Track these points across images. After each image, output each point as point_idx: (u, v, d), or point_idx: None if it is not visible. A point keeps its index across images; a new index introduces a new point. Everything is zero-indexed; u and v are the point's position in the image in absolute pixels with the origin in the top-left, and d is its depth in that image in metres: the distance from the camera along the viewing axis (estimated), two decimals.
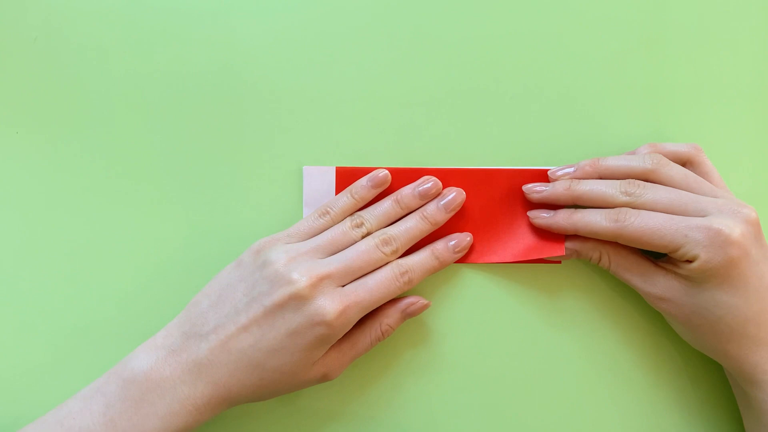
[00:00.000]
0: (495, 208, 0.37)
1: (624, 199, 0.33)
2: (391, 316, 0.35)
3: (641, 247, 0.33)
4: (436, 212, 0.36)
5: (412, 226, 0.35)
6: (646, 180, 0.34)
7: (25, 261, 0.37)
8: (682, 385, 0.37)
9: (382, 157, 0.38)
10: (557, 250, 0.37)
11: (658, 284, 0.34)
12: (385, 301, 0.34)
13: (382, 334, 0.35)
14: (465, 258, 0.37)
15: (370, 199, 0.36)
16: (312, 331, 0.31)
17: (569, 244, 0.36)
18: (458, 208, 0.36)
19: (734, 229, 0.31)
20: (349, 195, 0.36)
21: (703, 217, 0.32)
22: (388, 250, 0.34)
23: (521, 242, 0.37)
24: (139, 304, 0.37)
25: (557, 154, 0.38)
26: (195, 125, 0.38)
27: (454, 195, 0.36)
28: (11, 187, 0.38)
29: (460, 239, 0.36)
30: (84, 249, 0.37)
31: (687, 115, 0.38)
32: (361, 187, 0.36)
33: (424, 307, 0.36)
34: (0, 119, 0.37)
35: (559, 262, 0.38)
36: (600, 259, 0.36)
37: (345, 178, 0.37)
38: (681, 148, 0.36)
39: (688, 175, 0.34)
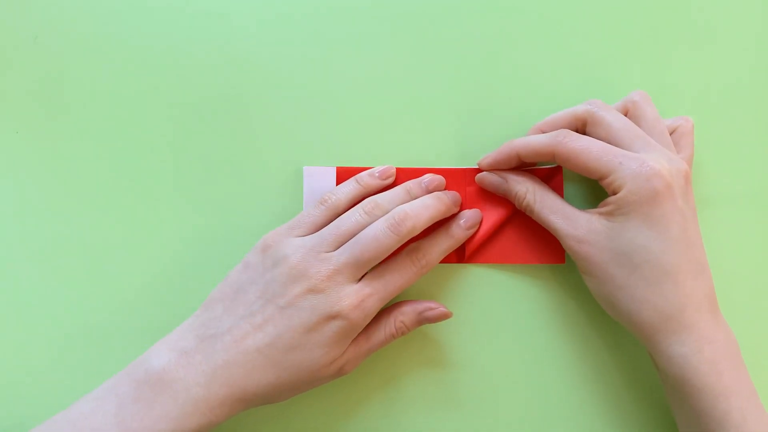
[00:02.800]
0: (495, 209, 0.37)
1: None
2: (407, 315, 0.35)
3: (574, 168, 0.33)
4: (448, 199, 0.35)
5: (430, 204, 0.34)
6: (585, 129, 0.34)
7: (25, 261, 0.37)
8: None
9: (382, 157, 0.38)
10: (558, 258, 0.37)
11: (580, 225, 0.33)
12: (405, 287, 0.33)
13: (397, 330, 0.35)
14: (465, 258, 0.37)
15: (376, 189, 0.36)
16: (329, 326, 0.31)
17: (497, 175, 0.36)
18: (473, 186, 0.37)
19: (664, 166, 0.31)
20: (355, 182, 0.35)
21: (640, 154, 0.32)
22: (402, 230, 0.32)
23: (522, 244, 0.37)
24: (141, 303, 0.37)
25: None
26: (195, 125, 0.38)
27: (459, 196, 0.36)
28: (11, 187, 0.37)
29: (470, 215, 0.36)
30: (84, 249, 0.37)
31: (686, 112, 0.38)
32: (368, 175, 0.36)
33: (444, 315, 0.35)
34: (0, 119, 0.37)
35: (563, 261, 0.38)
36: (525, 196, 0.35)
37: (345, 178, 0.37)
38: (621, 101, 0.36)
39: (627, 124, 0.33)
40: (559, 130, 0.34)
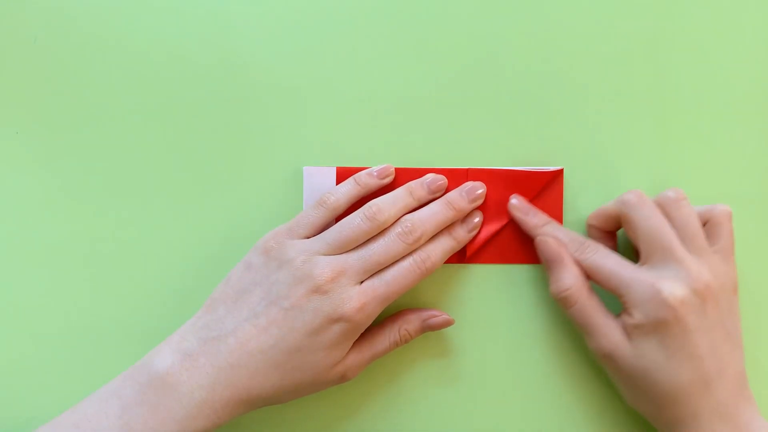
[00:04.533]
0: (495, 209, 0.37)
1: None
2: (411, 323, 0.35)
3: (594, 282, 0.34)
4: (459, 199, 0.35)
5: (438, 211, 0.34)
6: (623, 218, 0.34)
7: (25, 261, 0.37)
8: None
9: (382, 157, 0.38)
10: None
11: (609, 341, 0.33)
12: (407, 289, 0.33)
13: (401, 338, 0.35)
14: (466, 258, 0.37)
15: (375, 189, 0.36)
16: (332, 328, 0.31)
17: (557, 247, 0.35)
18: (480, 200, 0.36)
19: (675, 293, 0.31)
20: (353, 182, 0.35)
21: (656, 269, 0.32)
22: (411, 239, 0.33)
23: (522, 245, 0.37)
24: (141, 303, 0.37)
25: (557, 155, 0.38)
26: (195, 125, 0.38)
27: (476, 184, 0.36)
28: (11, 187, 0.37)
29: (472, 217, 0.36)
30: (84, 249, 0.37)
31: (687, 115, 0.38)
32: (367, 174, 0.36)
33: (447, 323, 0.36)
34: (0, 119, 0.37)
35: None
36: (569, 289, 0.34)
37: (345, 178, 0.37)
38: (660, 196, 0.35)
39: (653, 231, 0.33)
40: (579, 240, 0.35)
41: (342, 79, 0.38)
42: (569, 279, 0.34)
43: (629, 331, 0.32)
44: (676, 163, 0.38)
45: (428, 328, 0.36)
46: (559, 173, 0.37)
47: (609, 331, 0.33)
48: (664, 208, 0.34)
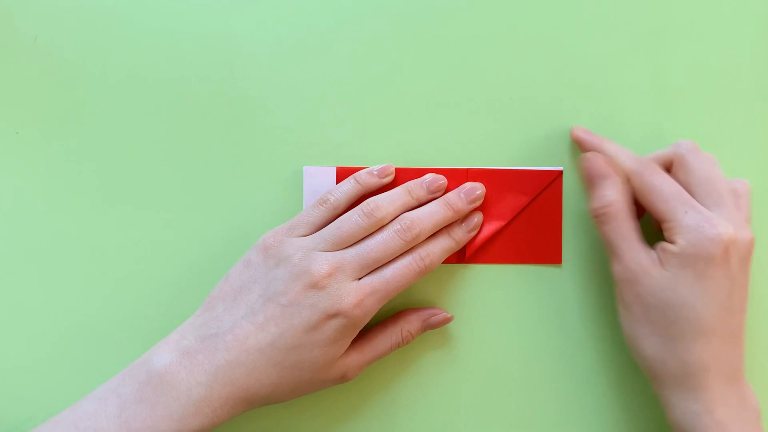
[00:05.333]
0: (495, 209, 0.37)
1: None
2: (413, 324, 0.36)
3: (643, 203, 0.33)
4: (458, 200, 0.35)
5: (436, 211, 0.34)
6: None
7: (25, 261, 0.37)
8: None
9: (382, 157, 0.38)
10: (555, 259, 0.37)
11: (640, 261, 0.32)
12: (405, 287, 0.33)
13: (403, 340, 0.35)
14: (465, 258, 0.37)
15: (375, 188, 0.36)
16: (330, 324, 0.31)
17: (606, 166, 0.34)
18: (479, 201, 0.36)
19: (729, 231, 0.31)
20: (353, 181, 0.35)
21: (710, 210, 0.32)
22: (409, 236, 0.33)
23: (522, 245, 0.37)
24: (141, 303, 0.37)
25: (557, 154, 0.38)
26: (195, 125, 0.38)
27: (475, 185, 0.36)
28: (11, 187, 0.37)
29: (473, 217, 0.36)
30: (84, 249, 0.37)
31: (687, 116, 0.38)
32: (367, 173, 0.36)
33: (446, 320, 0.36)
34: (0, 119, 0.37)
35: (559, 262, 0.38)
36: (612, 204, 0.33)
37: (345, 178, 0.37)
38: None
39: (710, 176, 0.33)
40: (646, 160, 0.34)
41: (342, 79, 0.38)
42: (613, 194, 0.33)
43: (666, 260, 0.32)
44: None
45: (429, 327, 0.36)
46: (559, 174, 0.37)
47: (640, 255, 0.32)
48: (695, 157, 0.34)
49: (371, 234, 0.33)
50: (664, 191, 0.32)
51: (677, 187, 0.33)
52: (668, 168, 0.35)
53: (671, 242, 0.32)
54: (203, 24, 0.38)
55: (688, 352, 0.31)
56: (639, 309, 0.32)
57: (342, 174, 0.37)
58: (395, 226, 0.33)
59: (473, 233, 0.36)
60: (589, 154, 0.35)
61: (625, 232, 0.33)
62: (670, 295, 0.31)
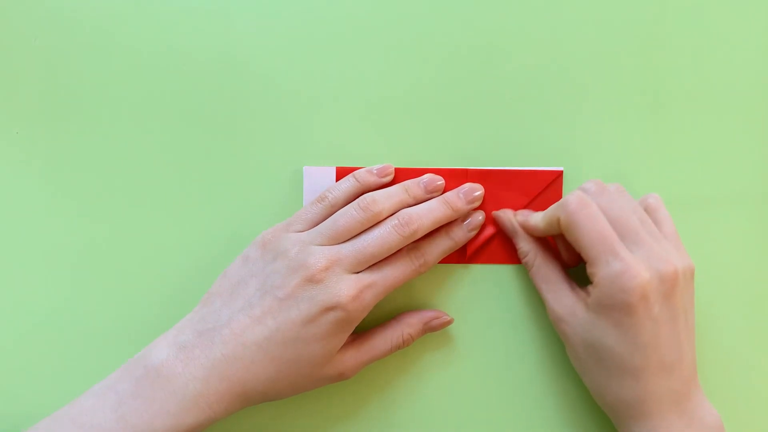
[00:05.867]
0: (495, 209, 0.37)
1: None
2: (413, 326, 0.36)
3: (570, 238, 0.32)
4: (456, 199, 0.35)
5: (435, 208, 0.34)
6: None
7: (25, 261, 0.37)
8: None
9: (382, 157, 0.38)
10: None
11: (564, 306, 0.33)
12: (401, 284, 0.33)
13: (403, 342, 0.35)
14: (466, 258, 0.37)
15: (374, 187, 0.36)
16: (327, 317, 0.31)
17: (510, 222, 0.36)
18: (478, 202, 0.36)
19: (643, 277, 0.30)
20: (352, 179, 0.35)
21: (632, 252, 0.31)
22: (406, 231, 0.33)
23: None
24: (141, 303, 0.37)
25: (557, 155, 0.38)
26: (196, 126, 0.38)
27: (474, 186, 0.36)
28: (11, 187, 0.38)
29: (473, 218, 0.36)
30: (84, 249, 0.37)
31: (687, 116, 0.38)
32: (366, 172, 0.36)
33: (447, 323, 0.37)
34: (0, 119, 0.37)
35: None
36: (527, 255, 0.36)
37: None
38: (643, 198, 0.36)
39: (627, 212, 0.33)
40: (574, 195, 0.33)
41: (342, 79, 0.38)
42: (525, 245, 0.36)
43: (588, 303, 0.32)
44: (676, 164, 0.38)
45: (429, 330, 0.37)
46: (559, 174, 0.37)
47: (563, 297, 0.34)
48: (602, 199, 0.33)
49: (369, 229, 0.33)
50: (592, 231, 0.32)
51: (603, 223, 0.32)
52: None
53: (591, 286, 0.32)
54: (203, 24, 0.38)
55: (620, 388, 0.32)
56: (570, 347, 0.34)
57: (342, 174, 0.37)
58: (393, 221, 0.33)
59: (474, 233, 0.36)
60: (496, 212, 0.37)
61: (546, 276, 0.35)
62: (592, 336, 0.32)
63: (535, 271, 0.35)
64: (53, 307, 0.37)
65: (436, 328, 0.36)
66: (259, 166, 0.38)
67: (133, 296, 0.37)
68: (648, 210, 0.35)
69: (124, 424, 0.29)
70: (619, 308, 0.31)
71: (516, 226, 0.36)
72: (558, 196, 0.37)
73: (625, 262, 0.30)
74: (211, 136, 0.38)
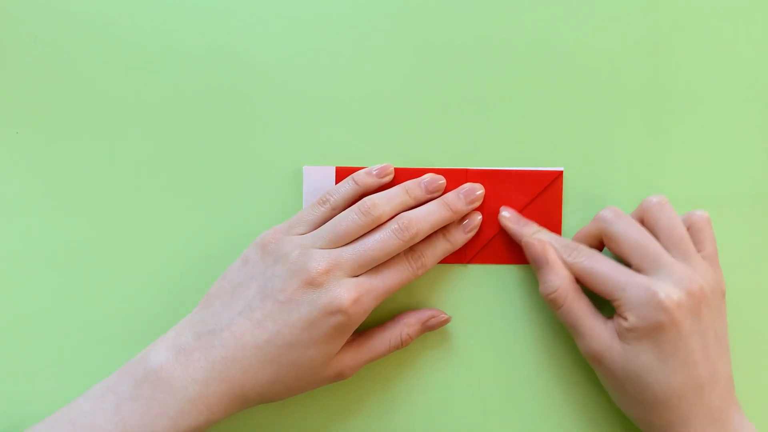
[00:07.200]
0: (494, 209, 0.37)
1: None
2: (412, 326, 0.36)
3: (586, 286, 0.33)
4: (456, 200, 0.35)
5: (435, 211, 0.34)
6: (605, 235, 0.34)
7: (25, 261, 0.37)
8: None
9: (382, 157, 0.38)
10: None
11: (601, 342, 0.33)
12: (400, 287, 0.33)
13: (402, 342, 0.35)
14: (466, 259, 0.37)
15: (374, 188, 0.36)
16: (327, 321, 0.31)
17: (541, 247, 0.35)
18: (478, 202, 0.36)
19: (671, 295, 0.31)
20: (352, 181, 0.35)
21: (649, 276, 0.32)
22: (406, 236, 0.33)
23: (520, 245, 0.37)
24: (141, 303, 0.37)
25: (557, 155, 0.38)
26: (195, 125, 0.38)
27: (474, 186, 0.36)
28: (12, 187, 0.38)
29: (471, 219, 0.36)
30: (84, 249, 0.37)
31: (687, 117, 0.38)
32: (365, 174, 0.36)
33: (445, 321, 0.36)
34: (0, 119, 0.37)
35: None
36: (556, 290, 0.34)
37: (344, 177, 0.37)
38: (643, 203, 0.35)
39: (639, 240, 0.33)
40: (572, 245, 0.34)
41: (342, 79, 0.38)
42: (556, 280, 0.34)
43: (622, 334, 0.32)
44: (676, 165, 0.38)
45: (428, 329, 0.37)
46: (559, 174, 0.37)
47: (599, 333, 0.33)
48: (648, 213, 0.34)
49: (369, 233, 0.33)
50: (600, 272, 0.33)
51: (609, 263, 0.33)
52: (600, 245, 0.35)
53: (623, 318, 0.32)
54: (203, 24, 0.38)
55: (664, 410, 0.31)
56: (610, 381, 0.33)
57: (341, 174, 0.37)
58: (393, 225, 0.33)
59: (472, 234, 0.36)
60: (525, 241, 0.35)
61: (578, 312, 0.33)
62: (633, 366, 0.32)
63: (567, 307, 0.33)
64: (53, 307, 0.37)
65: (434, 327, 0.36)
66: (258, 166, 0.38)
67: (132, 296, 0.37)
68: (693, 227, 0.34)
69: (123, 427, 0.29)
70: (651, 330, 0.31)
71: (549, 255, 0.34)
72: (558, 196, 0.37)
73: (645, 285, 0.31)
74: (210, 136, 0.38)
